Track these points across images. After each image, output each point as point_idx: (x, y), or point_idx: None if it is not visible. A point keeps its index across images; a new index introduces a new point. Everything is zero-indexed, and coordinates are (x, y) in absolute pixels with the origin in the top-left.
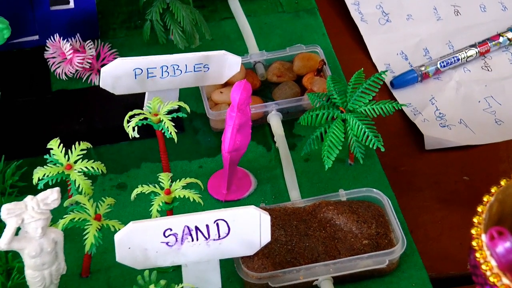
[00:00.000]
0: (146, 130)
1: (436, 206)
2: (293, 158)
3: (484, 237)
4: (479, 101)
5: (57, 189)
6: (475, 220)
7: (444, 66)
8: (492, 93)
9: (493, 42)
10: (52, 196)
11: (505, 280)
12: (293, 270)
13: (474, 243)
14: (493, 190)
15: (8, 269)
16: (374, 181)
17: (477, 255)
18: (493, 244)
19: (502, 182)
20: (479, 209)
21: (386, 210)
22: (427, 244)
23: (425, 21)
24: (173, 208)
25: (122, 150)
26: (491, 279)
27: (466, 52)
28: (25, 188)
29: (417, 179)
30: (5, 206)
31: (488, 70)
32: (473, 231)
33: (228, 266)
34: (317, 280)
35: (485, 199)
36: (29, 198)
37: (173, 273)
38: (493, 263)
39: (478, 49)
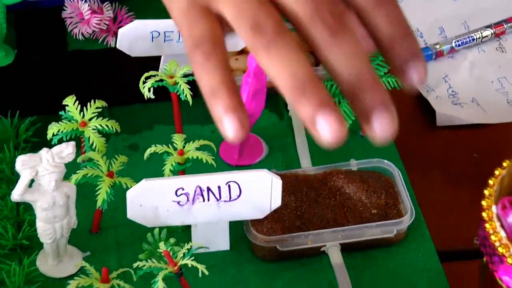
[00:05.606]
0: (160, 93)
1: (445, 183)
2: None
3: (494, 209)
4: (492, 81)
5: (72, 143)
6: (486, 192)
7: (459, 46)
8: (506, 74)
9: (509, 24)
10: (67, 150)
11: None
12: (301, 235)
13: (484, 214)
14: (505, 164)
15: (18, 221)
16: (385, 154)
17: (487, 225)
18: (505, 214)
19: None
20: (490, 181)
21: (396, 181)
22: (434, 220)
23: (442, 1)
24: (185, 169)
25: (136, 112)
26: (500, 249)
27: (481, 33)
28: (38, 144)
29: (427, 155)
30: (20, 158)
31: (503, 51)
32: (483, 203)
33: (237, 229)
34: (324, 246)
35: (496, 172)
36: (44, 151)
37: (182, 234)
38: (503, 233)
39: (494, 30)
